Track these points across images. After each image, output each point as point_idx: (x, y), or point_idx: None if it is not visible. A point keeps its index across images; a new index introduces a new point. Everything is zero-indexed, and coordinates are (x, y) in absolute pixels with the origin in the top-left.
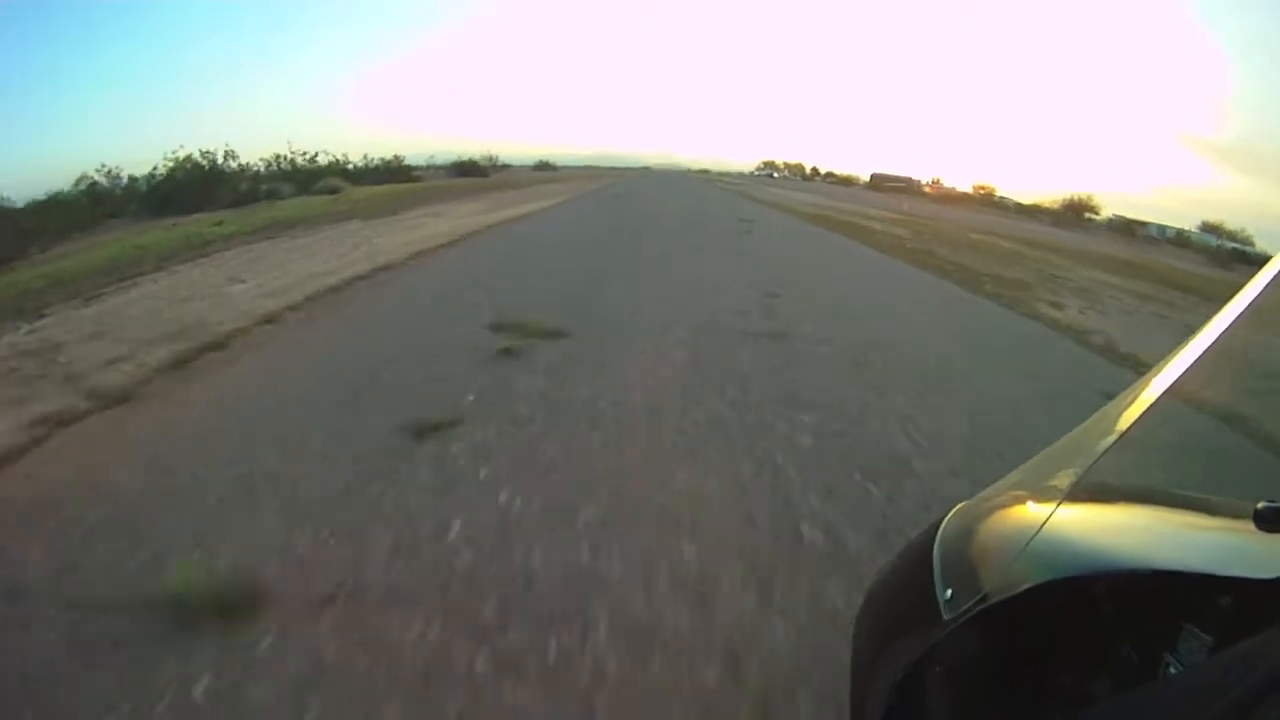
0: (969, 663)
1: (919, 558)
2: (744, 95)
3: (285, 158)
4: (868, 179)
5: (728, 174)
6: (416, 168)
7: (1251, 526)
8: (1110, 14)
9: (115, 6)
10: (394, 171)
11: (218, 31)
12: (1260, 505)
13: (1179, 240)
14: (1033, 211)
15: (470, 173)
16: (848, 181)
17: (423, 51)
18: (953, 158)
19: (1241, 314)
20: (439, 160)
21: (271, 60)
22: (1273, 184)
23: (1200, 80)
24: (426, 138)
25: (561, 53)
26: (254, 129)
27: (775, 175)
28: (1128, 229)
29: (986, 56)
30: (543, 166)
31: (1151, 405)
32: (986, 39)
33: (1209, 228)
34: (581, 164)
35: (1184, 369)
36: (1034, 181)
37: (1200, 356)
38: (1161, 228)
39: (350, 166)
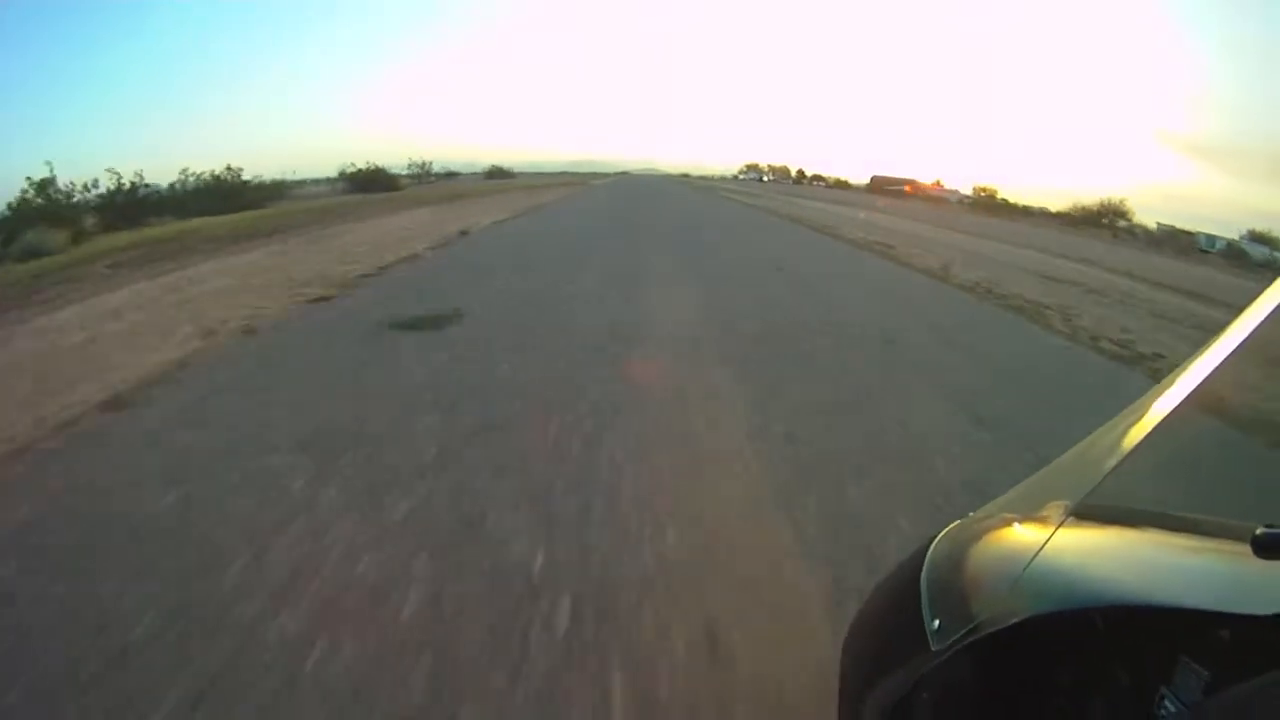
0: (958, 695)
1: (907, 583)
2: (723, 98)
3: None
4: (867, 182)
5: (709, 177)
6: (304, 183)
7: (1250, 553)
8: (1089, 15)
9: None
10: (228, 195)
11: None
12: (1259, 531)
13: (1232, 253)
14: (1073, 220)
15: (372, 187)
16: (843, 185)
17: (408, 59)
18: (935, 155)
19: (1260, 325)
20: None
21: (261, 65)
22: (1250, 180)
23: (1179, 79)
24: (413, 142)
25: (545, 62)
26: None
27: (764, 179)
28: (1174, 239)
29: (969, 55)
30: (496, 174)
31: (1157, 424)
32: (970, 37)
33: (1258, 237)
34: (559, 170)
35: (1190, 386)
36: (1021, 178)
37: (1208, 374)
38: (1211, 238)
39: (146, 190)
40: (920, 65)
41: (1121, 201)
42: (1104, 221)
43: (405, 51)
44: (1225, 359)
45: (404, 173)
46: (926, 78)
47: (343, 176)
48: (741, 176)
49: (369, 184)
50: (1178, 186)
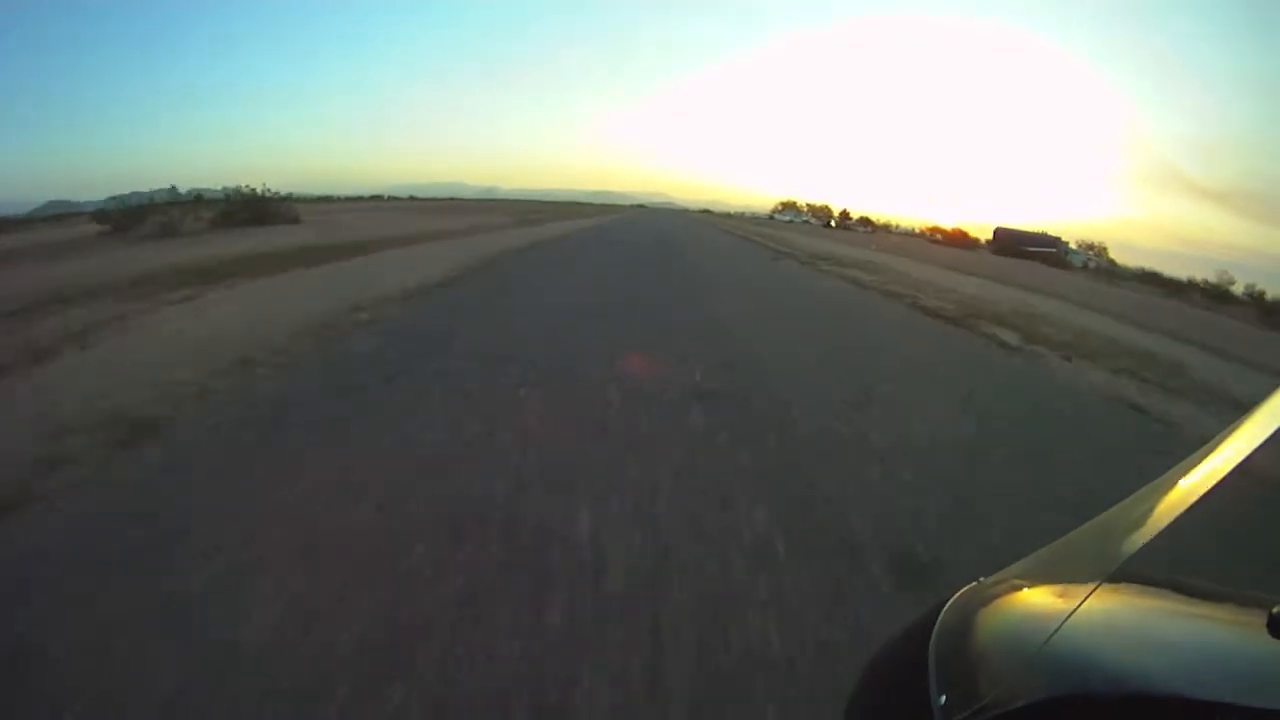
0: None
1: (914, 651)
2: (750, 126)
3: None
4: (990, 238)
5: (739, 214)
6: None
7: (1266, 633)
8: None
9: None
10: None
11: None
12: (1276, 610)
13: None
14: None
15: None
16: (955, 238)
17: (431, 94)
18: (971, 193)
19: None
20: None
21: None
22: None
23: (1169, 117)
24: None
25: (576, 96)
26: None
27: (832, 224)
28: None
29: (1004, 95)
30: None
31: (1190, 496)
32: (1003, 78)
33: None
34: (575, 200)
35: (1228, 457)
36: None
37: (1249, 445)
38: None
39: None
40: (954, 105)
41: None
42: None
43: (423, 88)
44: (1273, 432)
45: None
46: (961, 117)
47: None
48: (777, 216)
49: None
50: (1158, 219)
